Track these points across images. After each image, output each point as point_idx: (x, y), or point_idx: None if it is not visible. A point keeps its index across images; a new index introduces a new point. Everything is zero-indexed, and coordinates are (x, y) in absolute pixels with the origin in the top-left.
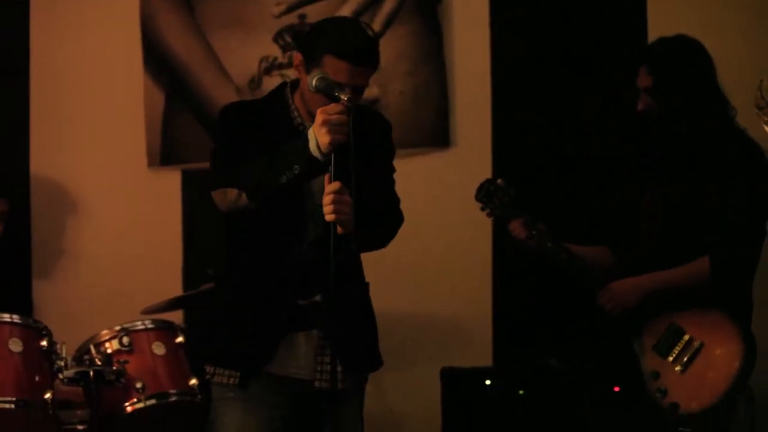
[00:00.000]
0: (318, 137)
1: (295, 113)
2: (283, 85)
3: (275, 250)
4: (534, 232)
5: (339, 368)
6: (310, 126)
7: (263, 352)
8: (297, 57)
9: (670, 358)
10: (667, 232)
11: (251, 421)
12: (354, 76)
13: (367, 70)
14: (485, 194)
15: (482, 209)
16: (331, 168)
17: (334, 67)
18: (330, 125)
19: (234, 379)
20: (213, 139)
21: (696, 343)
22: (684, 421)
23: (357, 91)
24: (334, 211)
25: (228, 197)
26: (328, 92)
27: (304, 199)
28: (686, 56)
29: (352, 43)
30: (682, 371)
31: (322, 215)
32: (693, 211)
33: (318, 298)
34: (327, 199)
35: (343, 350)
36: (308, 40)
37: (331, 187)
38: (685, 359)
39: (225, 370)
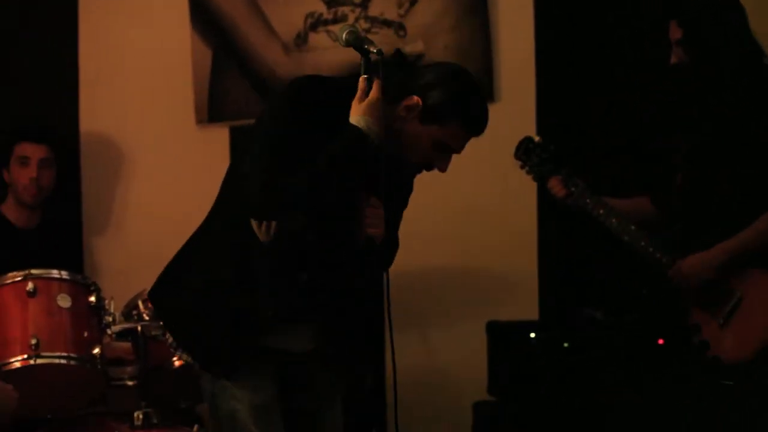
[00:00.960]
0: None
1: None
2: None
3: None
4: (573, 189)
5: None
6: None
7: (258, 331)
8: (412, 100)
9: (711, 311)
10: (705, 181)
11: (258, 386)
12: (464, 143)
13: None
14: (524, 152)
15: (521, 167)
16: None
17: (455, 134)
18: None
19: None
20: (270, 114)
21: (736, 296)
22: (726, 373)
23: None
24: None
25: (276, 226)
26: (358, 46)
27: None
28: (716, 7)
29: (483, 121)
30: (723, 324)
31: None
32: (732, 160)
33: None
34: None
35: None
36: (435, 95)
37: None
38: (726, 312)
39: (213, 368)
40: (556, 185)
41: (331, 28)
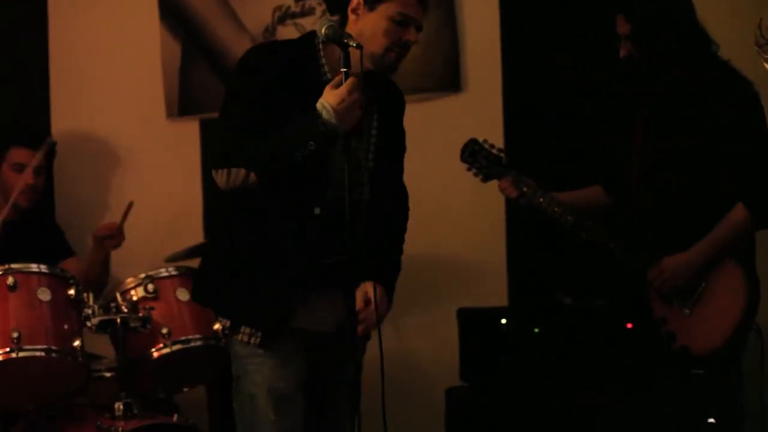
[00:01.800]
0: (347, 120)
1: (326, 67)
2: (312, 34)
3: (293, 212)
4: (524, 189)
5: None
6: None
7: (286, 311)
8: (353, 1)
9: (676, 302)
10: (659, 169)
11: (284, 375)
12: (419, 11)
13: (425, 11)
14: (470, 154)
15: (468, 170)
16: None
17: (406, 1)
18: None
19: (255, 339)
20: (228, 95)
21: (701, 285)
22: (695, 362)
23: (418, 30)
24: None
25: (232, 178)
26: (336, 38)
27: (325, 164)
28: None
29: None
30: (689, 314)
31: (342, 180)
32: (685, 150)
33: (342, 257)
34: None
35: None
36: None
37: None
38: (692, 302)
39: (246, 329)
40: (507, 187)
41: (299, 21)
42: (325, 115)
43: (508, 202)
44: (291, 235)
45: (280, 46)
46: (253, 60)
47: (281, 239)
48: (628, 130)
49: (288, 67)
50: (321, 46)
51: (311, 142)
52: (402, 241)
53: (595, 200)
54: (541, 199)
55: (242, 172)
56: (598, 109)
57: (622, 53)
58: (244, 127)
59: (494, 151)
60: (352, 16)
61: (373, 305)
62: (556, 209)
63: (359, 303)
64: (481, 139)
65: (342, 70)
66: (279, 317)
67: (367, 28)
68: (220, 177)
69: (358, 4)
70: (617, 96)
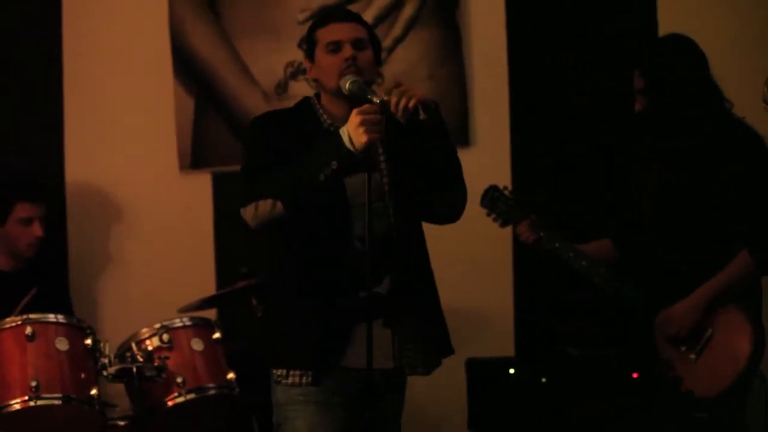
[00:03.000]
0: (354, 137)
1: (324, 116)
2: (306, 98)
3: (324, 251)
4: (542, 234)
5: (412, 353)
6: (342, 125)
7: (336, 347)
8: (305, 63)
9: (683, 348)
10: (667, 221)
11: (325, 421)
12: (345, 30)
13: (356, 25)
14: (490, 200)
15: (488, 215)
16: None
17: (326, 34)
18: (366, 125)
19: (307, 378)
20: (244, 151)
21: (708, 331)
22: (700, 407)
23: (357, 45)
24: (406, 95)
25: (260, 211)
26: (360, 94)
27: (346, 197)
28: (676, 56)
29: (331, 10)
30: (695, 359)
31: (371, 212)
32: (695, 200)
33: (380, 289)
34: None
35: (414, 337)
36: (306, 42)
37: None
38: (698, 348)
39: (297, 371)
40: (524, 231)
41: None
42: (344, 137)
43: (516, 252)
44: (323, 273)
45: (279, 111)
46: (260, 120)
47: (314, 279)
48: (639, 185)
49: (291, 125)
50: (316, 101)
51: (333, 161)
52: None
53: (604, 253)
54: (557, 245)
55: (269, 202)
56: (606, 163)
57: (637, 107)
58: (263, 166)
59: (515, 196)
60: (311, 75)
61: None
62: (571, 254)
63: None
64: (501, 186)
65: (375, 100)
66: (326, 353)
67: (319, 74)
68: (249, 213)
69: (308, 65)
70: (628, 150)
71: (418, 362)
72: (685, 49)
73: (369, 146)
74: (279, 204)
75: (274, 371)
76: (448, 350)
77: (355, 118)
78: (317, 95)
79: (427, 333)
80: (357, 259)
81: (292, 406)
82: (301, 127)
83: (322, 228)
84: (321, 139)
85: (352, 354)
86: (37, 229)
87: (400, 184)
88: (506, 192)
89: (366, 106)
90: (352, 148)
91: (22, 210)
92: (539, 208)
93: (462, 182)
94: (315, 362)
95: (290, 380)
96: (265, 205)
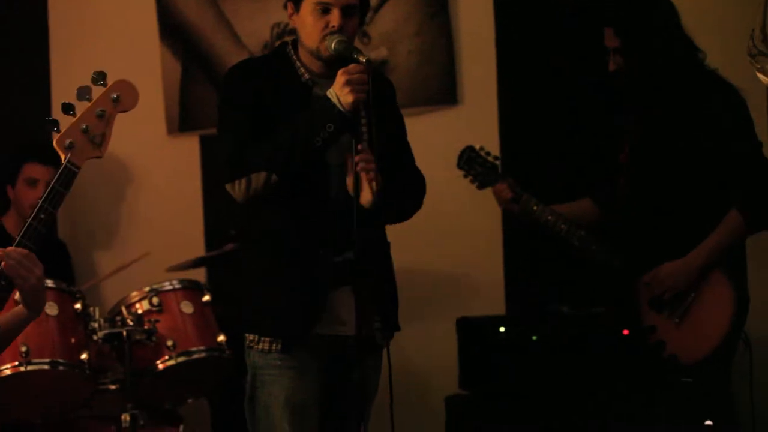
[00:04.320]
0: (341, 96)
1: (302, 69)
2: (284, 44)
3: (303, 211)
4: (521, 195)
5: (377, 324)
6: (318, 80)
7: (308, 314)
8: (289, 6)
9: (666, 311)
10: (649, 182)
11: (301, 387)
12: None
13: None
14: (466, 161)
15: (465, 176)
16: (361, 122)
17: None
18: (352, 84)
19: (277, 345)
20: (222, 113)
21: (691, 295)
22: (684, 371)
23: (346, 11)
24: (364, 170)
25: (253, 185)
26: (346, 54)
27: (325, 158)
28: (647, 11)
29: None
30: (678, 323)
31: (343, 176)
32: (675, 160)
33: (350, 255)
34: (357, 160)
35: (380, 307)
36: None
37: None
38: (681, 311)
39: (267, 337)
40: (503, 189)
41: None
42: (333, 99)
43: (505, 212)
44: (299, 236)
45: (256, 60)
46: (234, 77)
47: (290, 241)
48: (617, 142)
49: (268, 76)
50: (293, 51)
51: (329, 124)
52: (415, 194)
53: (585, 213)
54: (535, 207)
55: (263, 175)
56: (590, 121)
57: (612, 66)
58: (246, 135)
59: (490, 158)
60: (293, 24)
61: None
62: (549, 218)
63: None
64: (477, 147)
65: (361, 59)
66: (301, 321)
67: (301, 27)
68: (239, 188)
69: (291, 12)
70: (607, 108)
71: (378, 333)
72: (656, 4)
73: (356, 106)
74: (274, 175)
75: (247, 335)
76: (397, 327)
77: (341, 77)
78: (294, 42)
79: (385, 304)
80: (332, 220)
81: (269, 370)
82: (278, 78)
83: (300, 188)
84: (299, 92)
85: (325, 320)
86: (40, 191)
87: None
88: (482, 153)
89: (352, 65)
90: (342, 109)
91: (30, 170)
92: (525, 168)
93: (421, 200)
94: (285, 331)
95: (260, 346)
96: (258, 178)
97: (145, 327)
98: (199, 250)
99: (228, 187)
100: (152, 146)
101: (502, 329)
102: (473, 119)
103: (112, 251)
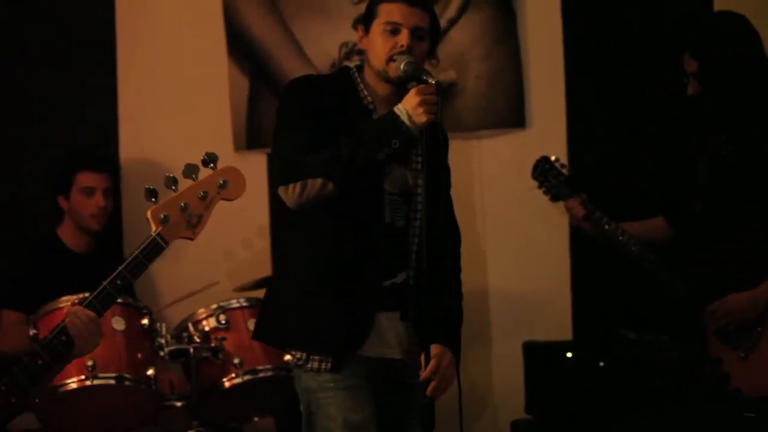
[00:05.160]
0: (413, 115)
1: (365, 92)
2: (347, 67)
3: (355, 233)
4: (593, 212)
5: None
6: (381, 107)
7: (353, 334)
8: (359, 29)
9: (732, 345)
10: (726, 204)
11: (356, 406)
12: (408, 16)
13: (422, 13)
14: (540, 172)
15: (538, 187)
16: (423, 143)
17: (388, 11)
18: (427, 105)
19: (327, 364)
20: (280, 120)
21: (757, 329)
22: (748, 406)
23: (416, 34)
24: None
25: (307, 191)
26: (415, 75)
27: (383, 185)
28: (728, 37)
29: None
30: (744, 357)
31: (398, 204)
32: (753, 187)
33: (399, 279)
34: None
35: (425, 333)
36: (366, 7)
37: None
38: (747, 345)
39: (317, 356)
40: (575, 206)
41: None
42: (402, 116)
43: (573, 235)
44: (352, 258)
45: (319, 77)
46: (297, 86)
47: (343, 262)
48: (693, 164)
49: (329, 95)
50: (357, 75)
51: (395, 140)
52: (459, 284)
53: (657, 231)
54: (607, 226)
55: (318, 182)
56: (662, 142)
57: (690, 91)
58: (305, 142)
59: (565, 170)
60: (362, 46)
61: (442, 372)
62: (620, 238)
63: (428, 370)
64: (552, 158)
65: (431, 81)
66: (349, 339)
67: (370, 48)
68: (292, 192)
69: (361, 34)
70: (683, 130)
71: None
72: (737, 29)
73: (426, 128)
74: (330, 184)
75: (293, 354)
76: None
77: (414, 97)
78: (359, 68)
79: (438, 332)
80: (384, 245)
81: (323, 393)
82: (340, 99)
83: (355, 210)
84: (359, 115)
85: (370, 343)
86: (99, 199)
87: (430, 181)
88: (558, 164)
89: (425, 86)
90: (412, 127)
91: (84, 179)
92: (593, 188)
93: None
94: (336, 348)
95: (310, 365)
96: (314, 185)
97: (212, 344)
98: (265, 268)
99: (281, 190)
100: (219, 163)
101: (569, 354)
102: (541, 142)
103: (175, 269)
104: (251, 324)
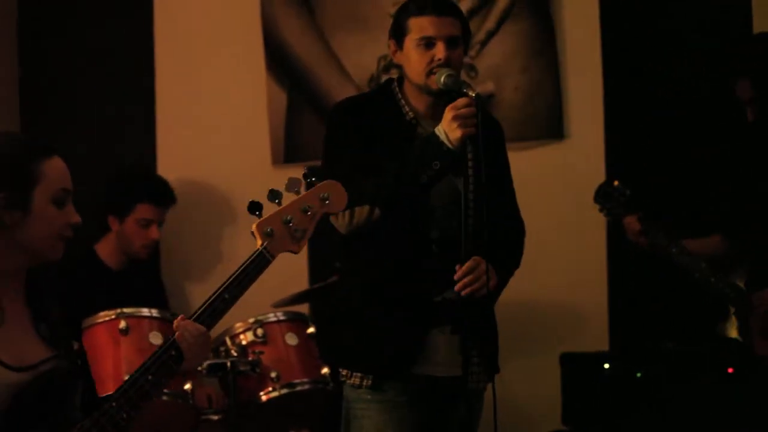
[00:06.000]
0: (449, 132)
1: (406, 108)
2: (389, 80)
3: (404, 249)
4: (650, 228)
5: (475, 368)
6: (424, 121)
7: (403, 354)
8: (391, 44)
9: None
10: None
11: (391, 421)
12: (440, 27)
13: (453, 20)
14: (602, 196)
15: (600, 210)
16: (468, 157)
17: (419, 26)
18: (460, 119)
19: (367, 381)
20: (327, 149)
21: None
22: None
23: (450, 43)
24: (471, 287)
25: (356, 218)
26: (455, 88)
27: (429, 199)
28: None
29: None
30: None
31: (448, 216)
32: None
33: (449, 294)
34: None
35: (481, 349)
36: (395, 22)
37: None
38: None
39: (358, 373)
40: (632, 222)
41: None
42: (441, 136)
43: (610, 246)
44: (401, 276)
45: (361, 97)
46: (340, 113)
47: (389, 279)
48: (749, 180)
49: (372, 114)
50: (398, 89)
51: (435, 162)
52: (516, 256)
53: (714, 249)
54: (665, 242)
55: (366, 209)
56: (703, 156)
57: (750, 117)
58: (351, 170)
59: (626, 192)
60: (398, 61)
61: (476, 273)
62: (674, 249)
63: (463, 269)
64: (615, 183)
65: (471, 93)
66: (395, 360)
67: (406, 64)
68: (342, 221)
69: (394, 49)
70: (742, 154)
71: (482, 375)
72: None
73: (464, 142)
74: (377, 211)
75: (340, 370)
76: (497, 368)
77: (448, 113)
78: (400, 80)
79: (488, 346)
80: (432, 260)
81: (360, 404)
82: (382, 117)
83: (403, 227)
84: (403, 132)
85: (420, 361)
86: (153, 232)
87: (481, 189)
88: (619, 187)
89: (460, 100)
90: (450, 146)
91: (144, 211)
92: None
93: (521, 253)
94: (377, 369)
95: (352, 381)
96: (362, 212)
97: (250, 358)
98: (302, 282)
99: (332, 218)
100: (257, 177)
101: (606, 365)
102: (580, 155)
103: (214, 282)
104: (288, 338)
